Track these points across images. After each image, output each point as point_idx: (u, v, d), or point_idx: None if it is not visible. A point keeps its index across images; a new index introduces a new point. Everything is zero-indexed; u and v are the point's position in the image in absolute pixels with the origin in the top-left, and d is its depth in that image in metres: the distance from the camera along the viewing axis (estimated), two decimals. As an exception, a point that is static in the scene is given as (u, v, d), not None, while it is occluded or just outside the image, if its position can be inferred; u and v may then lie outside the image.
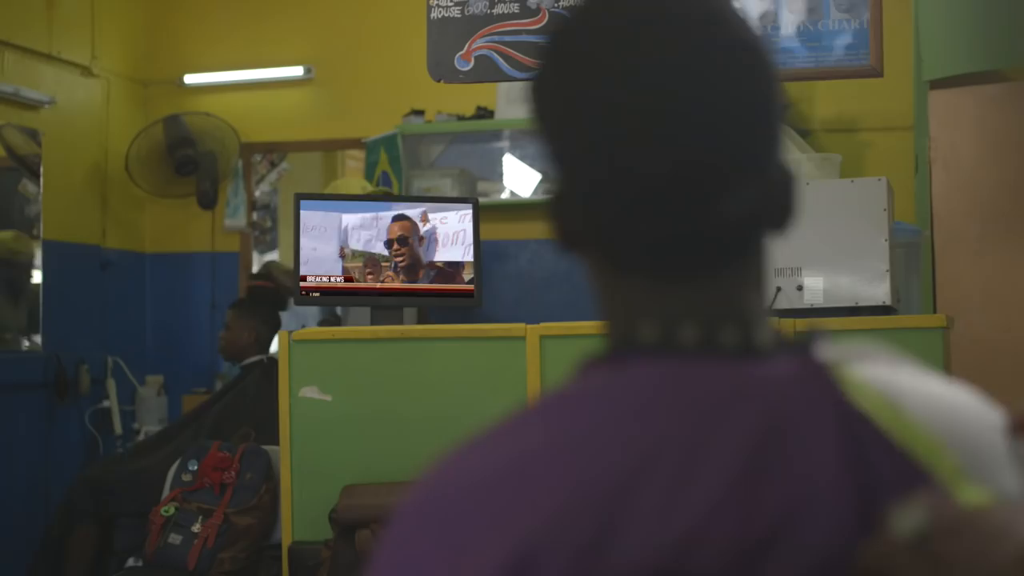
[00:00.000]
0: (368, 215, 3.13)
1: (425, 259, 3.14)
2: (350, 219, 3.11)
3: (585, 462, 0.77)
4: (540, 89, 0.87)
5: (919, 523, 0.74)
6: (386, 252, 3.11)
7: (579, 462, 0.77)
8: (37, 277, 5.34)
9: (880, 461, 0.77)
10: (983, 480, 0.79)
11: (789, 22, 3.06)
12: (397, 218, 3.14)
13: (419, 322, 3.07)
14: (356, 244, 3.10)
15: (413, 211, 3.19)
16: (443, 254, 3.14)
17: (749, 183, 0.83)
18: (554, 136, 0.86)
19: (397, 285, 3.11)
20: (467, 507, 0.79)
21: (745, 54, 0.84)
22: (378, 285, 3.11)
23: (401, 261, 3.11)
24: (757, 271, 0.86)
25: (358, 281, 3.10)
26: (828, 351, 0.83)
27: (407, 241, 3.12)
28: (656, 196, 0.81)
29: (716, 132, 0.82)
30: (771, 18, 3.07)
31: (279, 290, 5.05)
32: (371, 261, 3.12)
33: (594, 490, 0.76)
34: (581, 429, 0.80)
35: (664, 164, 0.81)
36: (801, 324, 2.69)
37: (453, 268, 3.12)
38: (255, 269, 6.01)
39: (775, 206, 0.85)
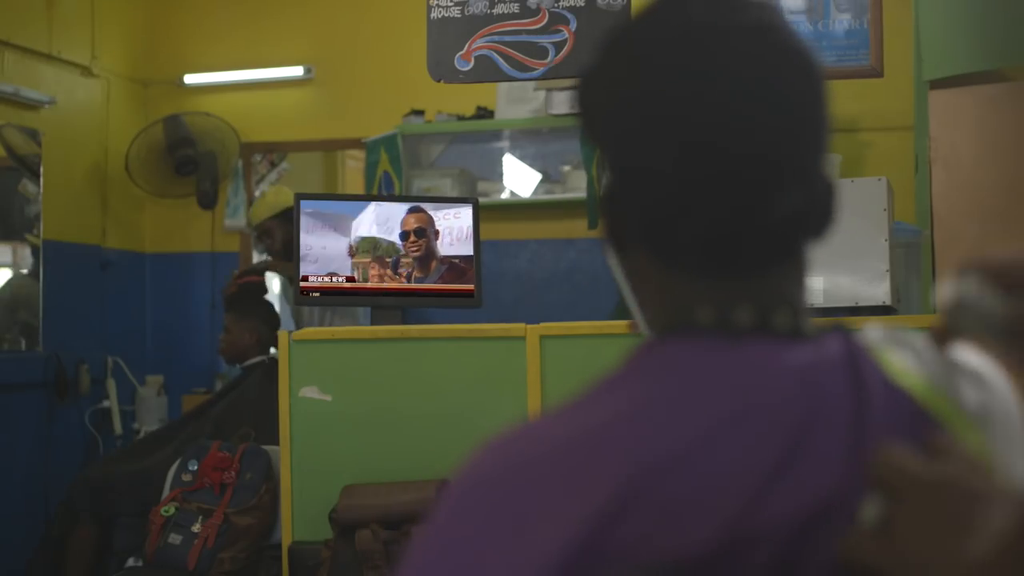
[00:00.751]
0: (380, 213, 3.14)
1: (437, 253, 3.14)
2: (360, 217, 3.12)
3: (652, 431, 0.80)
4: (600, 87, 0.90)
5: (880, 512, 0.76)
6: (399, 243, 3.11)
7: (646, 432, 0.80)
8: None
9: (917, 430, 0.81)
10: (1007, 456, 0.82)
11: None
12: (413, 210, 3.14)
13: (403, 322, 3.08)
14: (367, 232, 3.10)
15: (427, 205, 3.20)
16: (452, 250, 3.15)
17: (800, 186, 0.87)
18: (613, 132, 0.89)
19: (397, 285, 3.11)
20: (538, 474, 0.80)
21: (801, 62, 0.88)
22: (378, 285, 3.11)
23: (416, 252, 3.11)
24: (801, 270, 0.90)
25: (359, 281, 3.10)
26: (866, 336, 0.87)
27: (424, 232, 3.13)
28: (714, 193, 0.85)
29: (775, 134, 0.85)
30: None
31: (275, 271, 5.16)
32: (378, 257, 3.11)
33: (664, 457, 0.78)
34: (646, 401, 0.83)
35: (724, 162, 0.84)
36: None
37: (465, 263, 3.12)
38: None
39: (820, 211, 0.90)
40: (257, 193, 6.32)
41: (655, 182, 0.86)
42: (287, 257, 4.87)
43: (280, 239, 5.03)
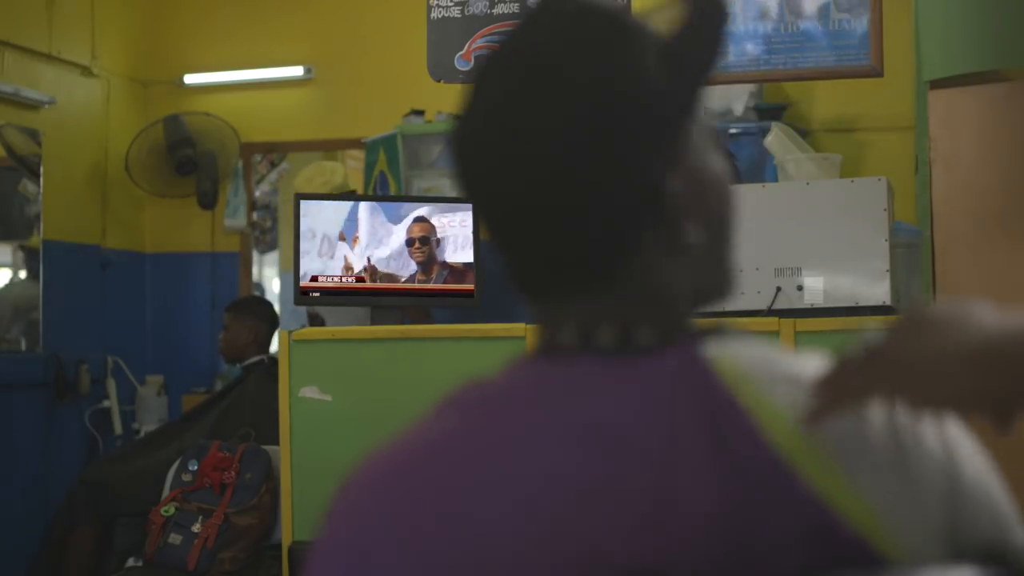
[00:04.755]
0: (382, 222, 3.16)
1: (439, 258, 3.15)
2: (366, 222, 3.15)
3: (450, 458, 0.85)
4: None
5: (877, 337, 0.81)
6: (406, 249, 3.15)
7: (452, 458, 0.85)
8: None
9: (742, 449, 0.81)
10: (836, 458, 0.82)
11: (789, 22, 3.06)
12: (418, 219, 3.17)
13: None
14: (370, 250, 3.13)
15: (427, 213, 3.23)
16: (455, 257, 3.16)
17: (590, 211, 0.86)
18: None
19: (397, 285, 3.11)
20: (378, 497, 0.85)
21: (580, 88, 0.85)
22: (378, 285, 3.11)
23: (420, 259, 3.13)
24: (638, 284, 0.89)
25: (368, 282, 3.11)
26: (709, 348, 0.87)
27: (428, 240, 3.15)
28: (504, 231, 0.89)
29: (552, 165, 0.85)
30: (771, 18, 3.07)
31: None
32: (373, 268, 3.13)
33: (458, 485, 0.83)
34: (463, 424, 0.88)
35: (505, 202, 0.88)
36: (801, 324, 2.69)
37: (464, 269, 3.14)
38: (255, 269, 6.01)
39: (627, 229, 0.87)
40: (257, 193, 6.32)
41: (484, 211, 0.91)
42: None
43: None
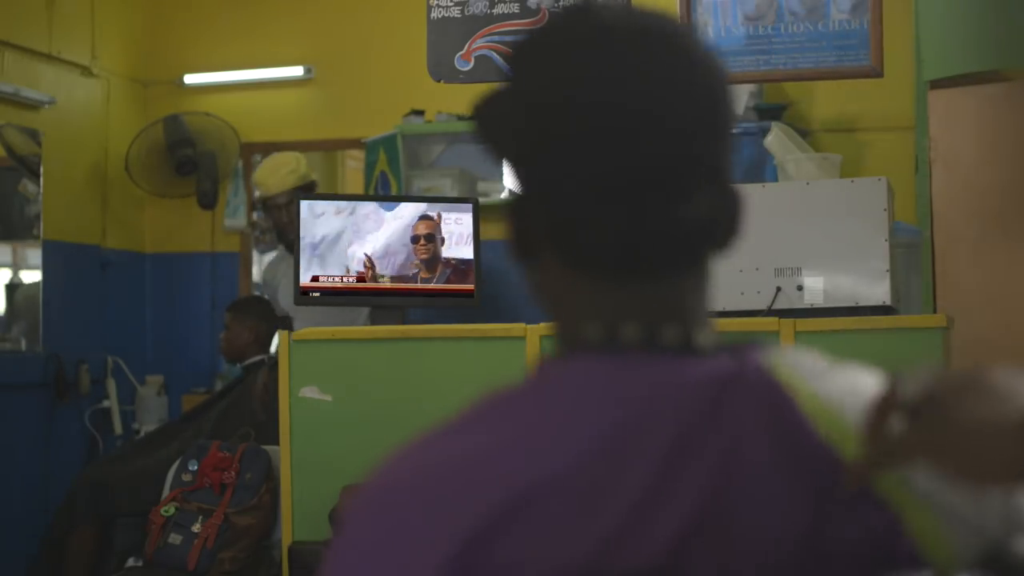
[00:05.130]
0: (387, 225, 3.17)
1: (443, 256, 3.16)
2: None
3: (524, 461, 0.81)
4: (505, 95, 0.90)
5: (924, 386, 0.77)
6: (410, 247, 3.16)
7: (518, 460, 0.81)
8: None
9: (810, 453, 0.81)
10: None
11: (789, 22, 3.06)
12: (424, 217, 3.17)
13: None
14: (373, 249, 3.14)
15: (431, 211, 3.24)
16: (454, 254, 3.17)
17: (705, 192, 0.86)
18: (517, 138, 0.89)
19: (397, 285, 3.11)
20: (412, 501, 0.82)
21: (703, 69, 0.88)
22: (379, 285, 3.11)
23: (425, 256, 3.14)
24: (703, 282, 0.89)
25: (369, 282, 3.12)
26: (765, 354, 0.86)
27: (433, 238, 3.16)
28: (619, 197, 0.85)
29: (679, 140, 0.85)
30: (771, 18, 3.07)
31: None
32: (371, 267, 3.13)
33: (536, 482, 0.80)
34: (522, 427, 0.83)
35: (629, 166, 0.84)
36: (801, 324, 2.69)
37: (466, 265, 3.15)
38: (255, 269, 6.01)
39: (726, 220, 0.89)
40: (258, 194, 6.31)
41: (558, 187, 0.86)
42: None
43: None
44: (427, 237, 3.15)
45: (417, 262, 3.12)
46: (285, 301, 4.72)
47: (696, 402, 0.82)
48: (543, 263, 0.91)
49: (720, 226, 0.88)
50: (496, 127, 0.91)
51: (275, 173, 4.72)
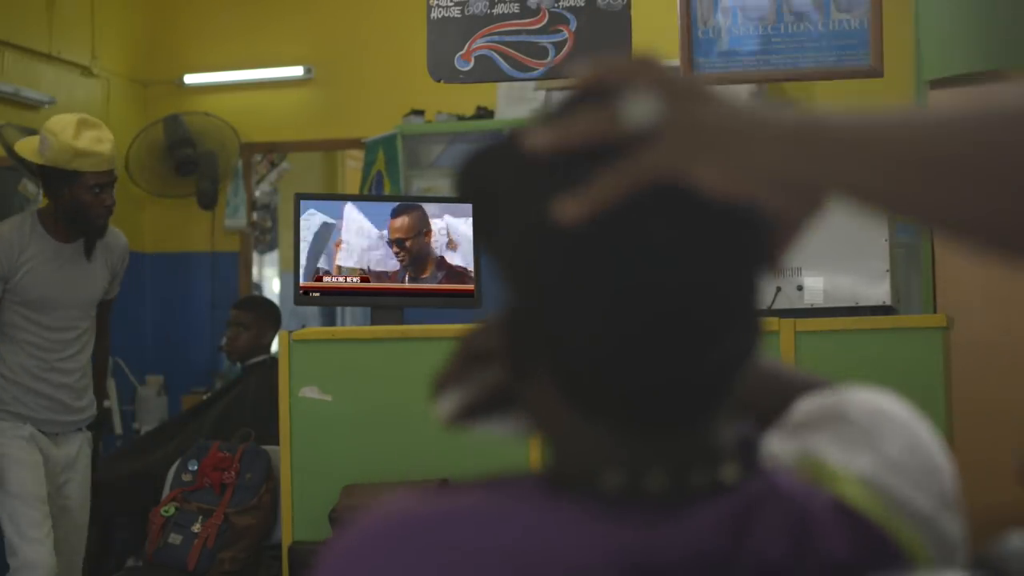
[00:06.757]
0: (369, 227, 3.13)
1: (435, 255, 3.11)
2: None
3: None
4: (519, 192, 0.80)
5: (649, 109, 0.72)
6: (390, 249, 3.10)
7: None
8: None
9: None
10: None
11: (789, 22, 3.06)
12: (397, 214, 3.10)
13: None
14: (357, 244, 3.10)
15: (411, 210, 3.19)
16: (455, 260, 3.13)
17: (734, 335, 0.79)
18: (532, 256, 0.79)
19: (397, 285, 3.11)
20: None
21: (734, 220, 0.79)
22: (378, 285, 3.11)
23: (403, 260, 3.09)
24: (730, 413, 0.81)
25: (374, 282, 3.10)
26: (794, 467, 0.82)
27: (404, 243, 3.11)
28: (650, 342, 0.76)
29: (712, 285, 0.77)
30: (771, 18, 3.07)
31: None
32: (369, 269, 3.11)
33: None
34: (511, 547, 0.75)
35: (662, 311, 0.76)
36: (801, 324, 2.69)
37: (466, 265, 3.11)
38: (255, 269, 6.01)
39: (750, 355, 0.81)
40: (257, 193, 6.31)
41: (578, 318, 0.77)
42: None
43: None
44: (398, 243, 3.10)
45: (400, 263, 3.08)
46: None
47: (717, 539, 0.76)
48: (537, 390, 0.82)
49: (744, 365, 0.80)
50: (497, 216, 0.82)
51: (80, 137, 3.69)
